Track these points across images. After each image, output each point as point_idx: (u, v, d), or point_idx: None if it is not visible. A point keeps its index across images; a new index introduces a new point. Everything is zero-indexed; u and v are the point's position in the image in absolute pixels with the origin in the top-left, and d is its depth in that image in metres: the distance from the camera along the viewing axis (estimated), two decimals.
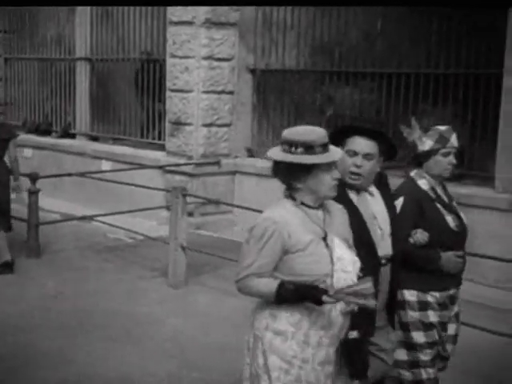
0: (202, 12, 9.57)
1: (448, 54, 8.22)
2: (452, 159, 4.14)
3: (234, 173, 10.14)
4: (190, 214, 9.78)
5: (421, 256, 4.05)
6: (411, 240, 4.04)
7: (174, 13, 9.86)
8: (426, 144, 4.12)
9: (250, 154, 10.31)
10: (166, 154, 10.27)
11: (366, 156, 3.66)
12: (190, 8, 9.61)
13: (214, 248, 8.49)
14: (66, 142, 12.24)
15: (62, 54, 12.69)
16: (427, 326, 4.12)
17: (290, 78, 10.01)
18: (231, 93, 10.00)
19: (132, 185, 9.29)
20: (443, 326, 4.21)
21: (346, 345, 3.34)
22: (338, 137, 3.71)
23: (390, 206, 3.84)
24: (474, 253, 4.86)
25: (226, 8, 9.66)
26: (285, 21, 9.91)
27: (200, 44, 9.64)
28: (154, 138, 11.00)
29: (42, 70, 13.25)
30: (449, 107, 8.32)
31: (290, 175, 3.22)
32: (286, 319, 3.19)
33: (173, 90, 10.00)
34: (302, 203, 3.26)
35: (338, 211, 3.42)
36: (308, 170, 3.19)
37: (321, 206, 3.33)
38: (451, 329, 4.33)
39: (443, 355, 4.30)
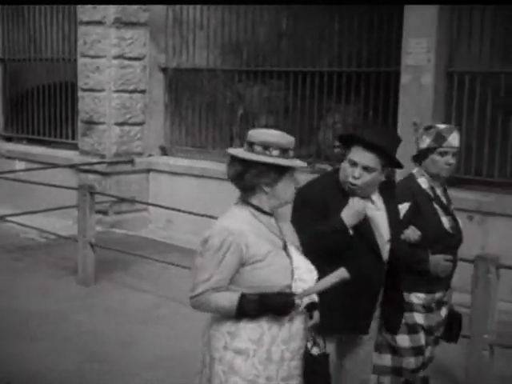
0: (111, 12, 9.63)
1: (350, 52, 8.51)
2: (449, 159, 4.04)
3: (147, 171, 10.22)
4: (105, 213, 9.86)
5: (409, 254, 3.94)
6: (402, 236, 3.96)
7: (85, 12, 9.88)
8: (425, 142, 4.05)
9: (164, 152, 10.41)
10: (80, 154, 10.29)
11: (365, 168, 3.53)
12: (100, 7, 9.65)
13: (127, 245, 8.60)
14: None
15: None
16: (412, 328, 4.04)
17: (201, 77, 10.15)
18: (143, 92, 10.09)
19: (45, 184, 9.28)
20: (430, 329, 4.12)
21: (306, 360, 3.19)
22: (344, 143, 3.67)
23: (392, 212, 3.76)
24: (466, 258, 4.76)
25: (135, 7, 9.75)
26: (195, 20, 10.04)
27: (110, 44, 9.69)
28: (67, 138, 10.99)
29: None
30: (351, 104, 8.61)
31: (262, 178, 3.08)
32: (247, 336, 3.04)
33: (84, 90, 10.03)
34: (258, 209, 3.13)
35: (284, 217, 3.33)
36: (280, 174, 3.09)
37: (272, 212, 3.21)
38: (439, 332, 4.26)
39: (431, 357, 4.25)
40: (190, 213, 7.27)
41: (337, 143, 8.70)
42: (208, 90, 10.14)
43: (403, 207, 3.95)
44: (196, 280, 3.07)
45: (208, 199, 8.84)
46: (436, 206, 4.07)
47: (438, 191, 4.12)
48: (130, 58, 9.88)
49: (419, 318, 4.06)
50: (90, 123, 10.00)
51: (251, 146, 3.09)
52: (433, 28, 7.45)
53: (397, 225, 3.76)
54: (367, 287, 3.62)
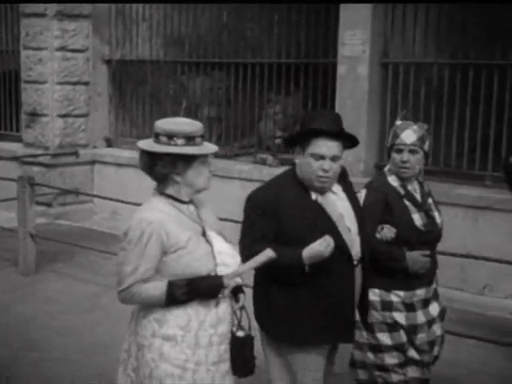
0: (54, 4, 9.63)
1: (289, 44, 8.66)
2: (403, 157, 3.93)
3: (92, 162, 10.27)
4: (49, 205, 9.88)
5: (385, 253, 3.89)
6: (378, 235, 3.92)
7: (27, 4, 9.87)
8: (388, 139, 4.02)
9: (109, 143, 10.46)
10: (23, 146, 10.29)
11: (333, 158, 3.36)
12: None
13: (72, 237, 8.63)
14: None
15: None
16: (392, 327, 3.98)
17: (145, 69, 10.21)
18: (87, 83, 10.11)
19: None
20: (413, 329, 4.01)
21: (233, 343, 3.20)
22: (300, 139, 3.45)
23: (354, 200, 3.63)
24: (450, 252, 4.82)
25: None
26: (137, 12, 10.10)
27: (52, 36, 9.70)
28: (11, 130, 10.97)
29: None
30: (291, 95, 8.76)
31: (170, 168, 3.08)
32: (174, 322, 3.05)
33: (27, 82, 10.02)
34: (175, 198, 3.14)
35: (205, 203, 3.32)
36: (189, 162, 3.08)
37: (191, 200, 3.21)
38: (436, 328, 4.14)
39: (417, 359, 4.08)
40: (135, 204, 7.30)
41: (277, 134, 8.87)
42: (152, 82, 10.20)
43: (361, 195, 3.91)
44: (122, 274, 3.06)
45: (150, 189, 8.89)
46: (407, 203, 3.98)
47: (411, 187, 4.04)
48: (73, 50, 9.90)
49: (399, 317, 3.99)
50: (34, 115, 10.00)
51: (157, 136, 3.10)
52: (367, 20, 7.64)
53: (361, 212, 3.64)
54: (342, 288, 3.48)
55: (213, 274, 3.08)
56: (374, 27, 7.68)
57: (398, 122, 4.05)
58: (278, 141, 9.05)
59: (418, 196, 4.05)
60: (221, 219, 8.18)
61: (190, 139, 3.07)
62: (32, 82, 9.95)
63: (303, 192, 3.43)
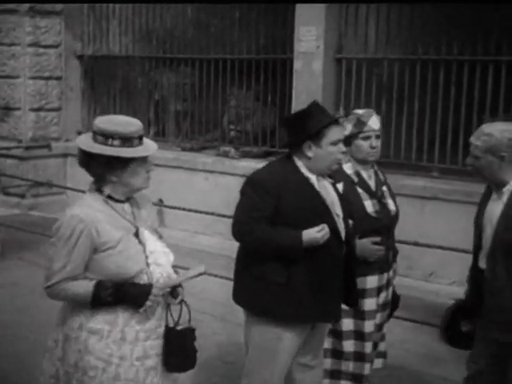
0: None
1: (249, 40, 8.93)
2: (373, 142, 4.06)
3: (65, 155, 10.54)
4: (22, 196, 10.18)
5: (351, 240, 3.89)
6: None
7: None
8: (347, 129, 4.05)
9: None
10: None
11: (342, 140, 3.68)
12: None
13: (43, 227, 8.86)
14: None
15: None
16: (344, 313, 4.02)
17: (116, 64, 10.48)
18: (59, 78, 10.41)
19: None
20: (360, 315, 4.10)
21: (170, 336, 3.20)
22: (312, 136, 3.60)
23: (337, 189, 3.82)
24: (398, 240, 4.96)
25: None
26: (108, 8, 10.36)
27: (25, 32, 9.99)
28: None
29: None
30: (252, 89, 9.03)
31: (105, 168, 3.03)
32: (102, 317, 3.06)
33: (0, 77, 10.30)
34: (111, 197, 3.10)
35: (144, 200, 3.30)
36: (125, 163, 3.02)
37: (128, 199, 3.18)
38: (378, 318, 4.22)
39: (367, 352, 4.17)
40: None
41: (232, 126, 9.15)
42: (123, 77, 10.47)
43: (339, 186, 3.96)
44: (50, 270, 3.03)
45: (89, 185, 9.09)
46: (360, 191, 4.07)
47: (365, 175, 4.13)
48: (46, 46, 10.20)
49: None
50: (7, 109, 10.29)
51: (94, 135, 3.04)
52: (321, 17, 7.92)
53: (345, 201, 3.81)
54: (333, 269, 3.64)
55: (142, 274, 3.09)
56: (328, 24, 7.95)
57: (359, 111, 4.18)
58: (232, 133, 9.32)
59: (372, 183, 4.15)
60: (186, 210, 8.42)
61: (126, 140, 3.01)
62: (5, 76, 10.24)
63: (302, 177, 3.60)
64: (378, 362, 4.41)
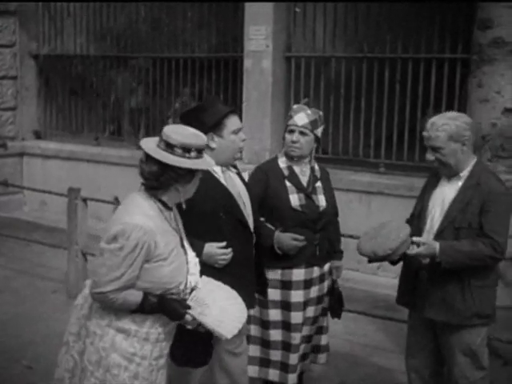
0: None
1: (201, 38, 9.04)
2: (293, 137, 4.16)
3: (21, 154, 10.56)
4: None
5: (257, 228, 3.96)
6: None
7: None
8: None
9: (38, 136, 10.77)
10: None
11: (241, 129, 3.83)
12: None
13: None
14: None
15: None
16: (264, 304, 4.18)
17: (71, 63, 10.50)
18: (14, 78, 10.41)
19: None
20: (287, 306, 4.19)
21: (192, 335, 3.33)
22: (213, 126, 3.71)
23: (244, 181, 3.97)
24: (347, 235, 5.09)
25: None
26: (62, 7, 10.40)
27: None
28: None
29: None
30: (204, 88, 9.13)
31: (177, 179, 3.08)
32: (132, 318, 3.10)
33: None
34: (165, 205, 3.16)
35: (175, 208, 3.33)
36: (193, 174, 3.10)
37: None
38: (309, 311, 4.29)
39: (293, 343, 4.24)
40: (62, 194, 7.52)
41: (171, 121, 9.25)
42: (79, 76, 10.50)
43: (245, 175, 4.09)
44: (105, 277, 3.01)
45: (77, 180, 9.14)
46: (288, 184, 4.16)
47: (298, 170, 4.22)
48: (0, 46, 10.18)
49: (274, 294, 4.16)
50: None
51: (171, 148, 3.02)
52: (270, 16, 8.02)
53: (251, 189, 3.94)
54: (242, 259, 3.74)
55: (181, 286, 3.16)
56: (277, 22, 8.07)
57: (295, 106, 4.30)
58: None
59: (303, 178, 4.23)
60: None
61: (200, 152, 3.10)
62: None
63: (206, 172, 3.50)
64: (322, 357, 4.51)
